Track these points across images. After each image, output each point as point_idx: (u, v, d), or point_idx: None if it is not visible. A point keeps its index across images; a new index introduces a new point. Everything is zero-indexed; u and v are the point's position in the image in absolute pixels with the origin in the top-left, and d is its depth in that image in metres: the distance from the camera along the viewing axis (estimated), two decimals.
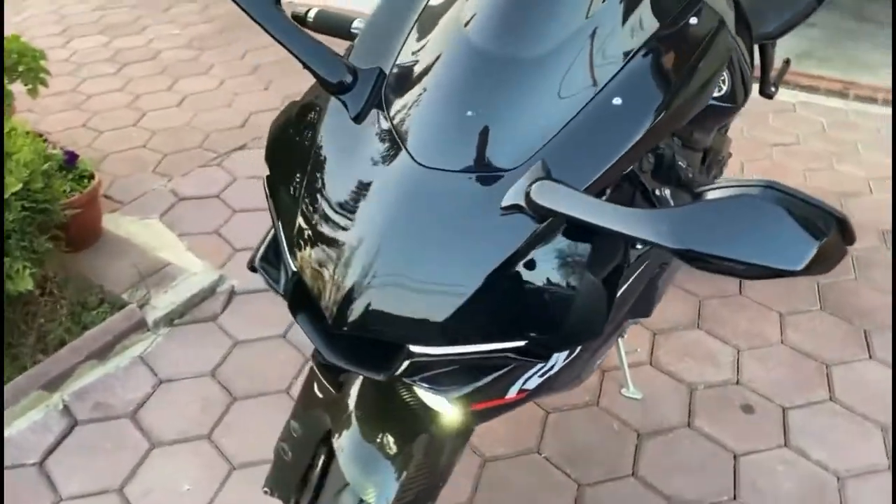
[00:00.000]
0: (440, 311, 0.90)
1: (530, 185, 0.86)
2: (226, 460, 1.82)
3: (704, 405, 1.93)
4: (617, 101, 0.92)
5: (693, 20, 1.00)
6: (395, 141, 0.94)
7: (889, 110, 3.27)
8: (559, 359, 1.06)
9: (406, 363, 0.94)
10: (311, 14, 1.20)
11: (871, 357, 2.06)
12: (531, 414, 1.86)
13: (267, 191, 1.08)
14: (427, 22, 1.03)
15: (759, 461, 1.79)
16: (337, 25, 1.18)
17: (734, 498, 1.71)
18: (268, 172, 1.10)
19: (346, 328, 0.92)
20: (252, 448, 1.84)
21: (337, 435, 1.11)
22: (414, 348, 0.93)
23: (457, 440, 1.20)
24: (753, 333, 2.13)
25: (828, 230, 0.74)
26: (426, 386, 0.99)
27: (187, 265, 2.39)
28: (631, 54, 0.94)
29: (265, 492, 1.33)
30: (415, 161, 0.92)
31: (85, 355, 2.04)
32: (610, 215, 0.81)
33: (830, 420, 1.89)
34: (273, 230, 1.14)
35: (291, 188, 1.03)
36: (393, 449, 1.10)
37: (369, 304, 0.91)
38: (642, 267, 1.18)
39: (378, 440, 1.11)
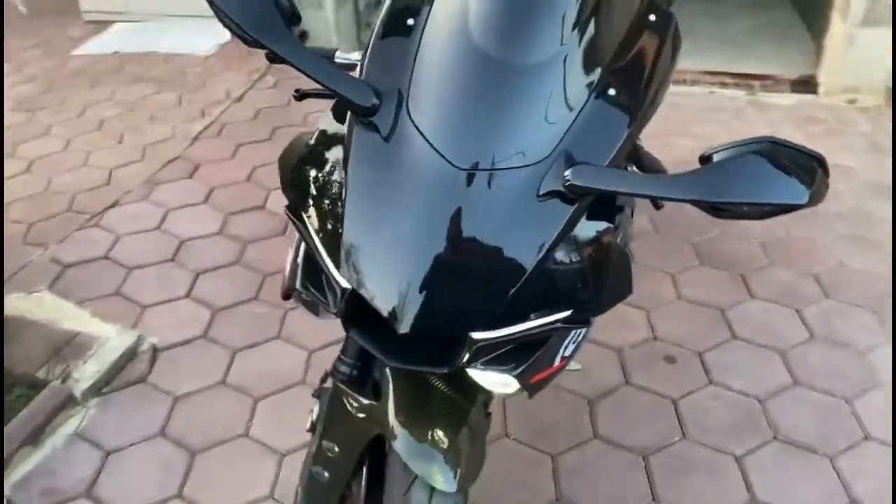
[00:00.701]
0: (498, 297, 1.00)
1: (566, 170, 0.99)
2: None
3: (634, 364, 2.15)
4: (612, 91, 1.08)
5: (651, 17, 1.18)
6: (430, 150, 1.03)
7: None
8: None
9: (470, 351, 1.03)
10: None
11: (752, 297, 2.39)
12: None
13: (293, 218, 1.13)
14: (433, 39, 1.12)
15: (694, 401, 2.03)
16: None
17: (684, 436, 1.94)
18: (286, 202, 1.15)
19: (415, 329, 0.99)
20: (231, 497, 1.82)
21: (392, 436, 1.15)
22: (476, 335, 1.02)
23: (485, 422, 1.31)
24: (655, 295, 2.39)
25: (816, 169, 0.94)
26: (489, 368, 1.08)
27: (98, 332, 2.27)
28: (615, 52, 1.10)
29: None
30: (453, 165, 1.02)
31: (18, 443, 1.90)
32: (646, 184, 0.97)
33: (738, 354, 2.18)
34: (295, 256, 1.19)
35: (324, 211, 1.09)
36: (444, 437, 1.17)
37: (434, 304, 0.99)
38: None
39: (429, 431, 1.17)
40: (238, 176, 3.10)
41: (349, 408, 1.25)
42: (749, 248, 2.61)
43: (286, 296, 1.18)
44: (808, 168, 0.94)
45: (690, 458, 1.88)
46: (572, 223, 1.02)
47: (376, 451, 1.28)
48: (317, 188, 1.11)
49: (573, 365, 2.11)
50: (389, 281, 1.02)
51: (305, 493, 1.35)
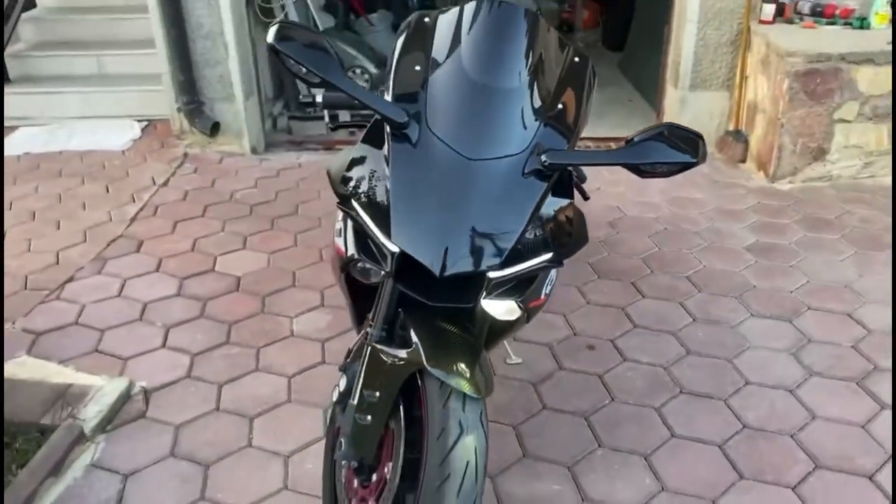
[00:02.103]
0: (506, 245, 1.46)
1: (542, 154, 1.49)
2: None
3: (564, 353, 2.63)
4: (560, 106, 1.60)
5: (576, 59, 1.73)
6: (448, 150, 1.49)
7: None
8: (558, 272, 1.67)
9: (487, 287, 1.48)
10: (318, 98, 1.68)
11: (643, 297, 2.96)
12: None
13: (344, 209, 1.54)
14: (437, 75, 1.61)
15: (615, 374, 2.53)
16: (342, 100, 1.68)
17: (612, 399, 2.42)
18: (338, 199, 1.57)
19: (451, 272, 1.43)
20: (250, 494, 2.09)
21: (430, 365, 1.53)
22: (491, 274, 1.47)
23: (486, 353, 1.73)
24: (569, 302, 2.91)
25: (699, 141, 1.49)
26: (501, 298, 1.52)
27: (89, 382, 2.48)
28: (557, 80, 1.63)
29: (351, 465, 1.68)
30: (466, 157, 1.48)
31: (42, 476, 2.09)
32: (596, 157, 1.49)
33: (641, 338, 2.71)
34: (344, 238, 1.59)
35: (370, 199, 1.51)
36: (465, 361, 1.56)
37: (461, 253, 1.44)
38: None
39: (454, 358, 1.55)
40: (182, 247, 3.39)
41: (387, 360, 1.63)
42: (633, 262, 3.20)
43: (344, 267, 1.57)
44: (694, 141, 1.49)
45: (621, 414, 2.36)
46: (547, 193, 1.51)
47: (406, 395, 1.66)
48: (363, 184, 1.54)
49: (515, 359, 2.59)
50: (429, 241, 1.45)
51: (351, 441, 1.69)
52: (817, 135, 3.81)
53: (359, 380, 1.70)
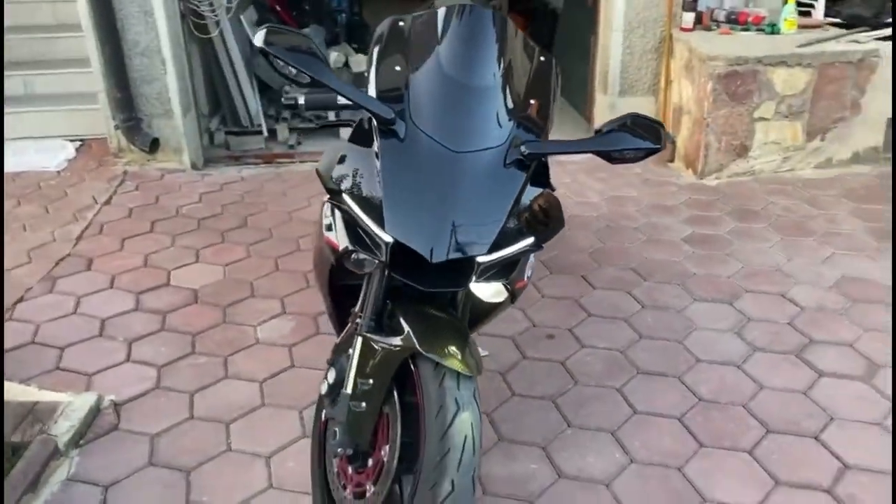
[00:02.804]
0: (493, 232, 1.57)
1: (521, 146, 1.60)
2: None
3: (526, 344, 2.75)
4: (532, 101, 1.72)
5: (542, 58, 1.86)
6: (434, 143, 1.59)
7: None
8: (536, 258, 1.78)
9: (477, 271, 1.57)
10: (301, 99, 1.75)
11: (594, 288, 3.12)
12: None
13: (335, 203, 1.62)
14: (418, 74, 1.70)
15: (576, 359, 2.67)
16: (325, 102, 1.75)
17: (576, 383, 2.55)
18: (328, 195, 1.65)
19: (444, 258, 1.52)
20: (236, 495, 2.12)
21: (423, 349, 1.61)
22: (480, 259, 1.57)
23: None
24: (526, 297, 3.01)
25: (660, 129, 1.63)
26: (490, 281, 1.62)
27: (56, 398, 2.45)
28: (528, 79, 1.75)
29: (346, 453, 1.75)
30: (452, 151, 1.58)
31: (20, 492, 2.06)
32: (570, 146, 1.61)
33: (596, 326, 2.86)
34: (333, 232, 1.66)
35: (362, 194, 1.59)
36: (456, 343, 1.65)
37: (452, 240, 1.54)
38: None
39: (445, 341, 1.65)
40: (134, 263, 3.36)
41: (379, 348, 1.70)
42: (581, 257, 3.36)
43: (338, 259, 1.64)
44: (655, 129, 1.63)
45: (585, 396, 2.49)
46: (527, 182, 1.63)
47: (397, 382, 1.74)
48: (353, 180, 1.62)
49: (483, 352, 2.68)
50: (421, 230, 1.54)
51: (345, 429, 1.75)
52: (739, 133, 4.09)
53: (350, 370, 1.77)
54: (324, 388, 1.89)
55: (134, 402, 2.50)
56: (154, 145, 4.41)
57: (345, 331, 1.91)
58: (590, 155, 1.72)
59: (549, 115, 1.75)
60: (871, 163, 4.27)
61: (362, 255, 1.62)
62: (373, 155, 1.62)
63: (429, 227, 1.54)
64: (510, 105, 1.69)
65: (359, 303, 1.87)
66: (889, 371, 2.57)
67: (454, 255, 1.54)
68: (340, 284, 2.04)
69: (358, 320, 1.77)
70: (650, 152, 1.61)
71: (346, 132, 2.61)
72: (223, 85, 4.86)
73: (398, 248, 1.56)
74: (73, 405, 2.42)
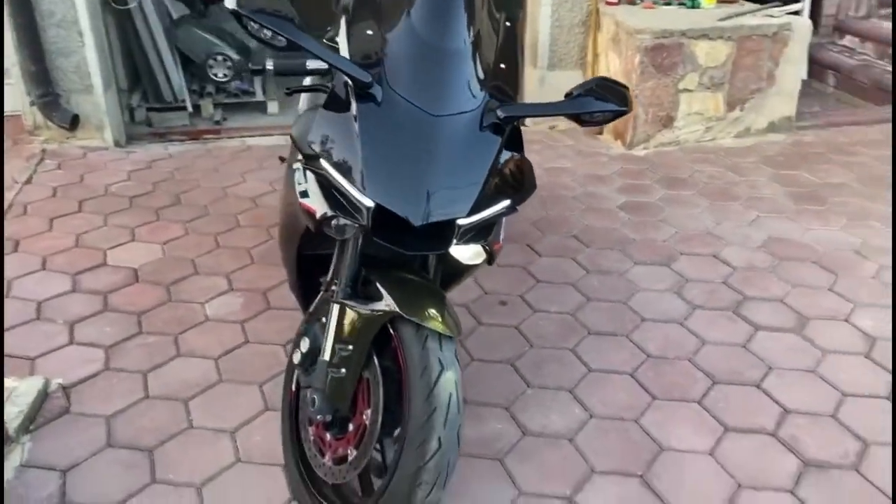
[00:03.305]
0: (473, 194, 1.60)
1: (497, 109, 1.63)
2: (191, 487, 2.04)
3: (480, 311, 2.81)
4: (502, 65, 1.75)
5: (508, 24, 1.88)
6: (412, 107, 1.60)
7: None
8: (505, 221, 1.82)
9: (458, 233, 1.60)
10: (269, 64, 1.71)
11: (540, 256, 3.20)
12: None
13: (312, 168, 1.61)
14: (391, 37, 1.70)
15: (529, 324, 2.74)
16: (294, 67, 1.72)
17: (531, 346, 2.62)
18: (304, 161, 1.64)
19: (426, 220, 1.54)
20: (203, 471, 2.09)
21: (405, 312, 1.63)
22: (460, 221, 1.60)
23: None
24: None
25: (626, 92, 1.69)
26: (469, 242, 1.65)
27: None
28: (497, 42, 1.78)
29: (326, 419, 1.76)
30: (429, 114, 1.60)
31: None
32: (544, 108, 1.65)
33: (545, 291, 2.94)
34: (313, 201, 1.65)
35: (340, 159, 1.59)
36: (435, 305, 1.68)
37: (436, 204, 1.56)
38: None
39: (424, 303, 1.67)
40: (66, 244, 3.22)
41: (358, 314, 1.71)
42: (525, 227, 3.44)
43: (318, 226, 1.64)
44: (622, 92, 1.69)
45: (541, 358, 2.57)
46: (503, 145, 1.66)
47: (377, 346, 1.75)
48: (330, 145, 1.61)
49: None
50: (403, 193, 1.56)
51: (328, 394, 1.75)
52: (665, 104, 4.24)
53: (327, 337, 1.77)
54: (297, 358, 1.89)
55: (83, 384, 2.41)
56: (74, 122, 4.21)
57: (317, 299, 1.90)
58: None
59: (519, 81, 1.79)
60: (786, 131, 4.51)
61: (342, 221, 1.62)
62: (350, 120, 1.62)
63: (409, 190, 1.56)
64: (482, 70, 1.72)
65: (330, 271, 1.87)
66: (818, 323, 2.76)
67: (436, 218, 1.56)
68: (305, 254, 2.04)
69: (334, 287, 1.77)
70: (617, 115, 1.67)
71: (303, 103, 2.58)
72: (143, 59, 4.67)
73: (379, 213, 1.57)
74: (19, 390, 2.31)
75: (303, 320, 1.96)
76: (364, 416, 1.74)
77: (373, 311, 1.68)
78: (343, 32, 1.78)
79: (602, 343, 2.65)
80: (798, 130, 4.55)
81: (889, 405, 2.36)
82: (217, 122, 4.84)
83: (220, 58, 4.95)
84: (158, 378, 2.45)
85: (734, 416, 2.31)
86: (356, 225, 1.61)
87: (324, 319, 1.87)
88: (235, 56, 4.99)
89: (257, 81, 5.20)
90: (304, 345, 1.86)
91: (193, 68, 4.97)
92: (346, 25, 1.80)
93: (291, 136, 1.75)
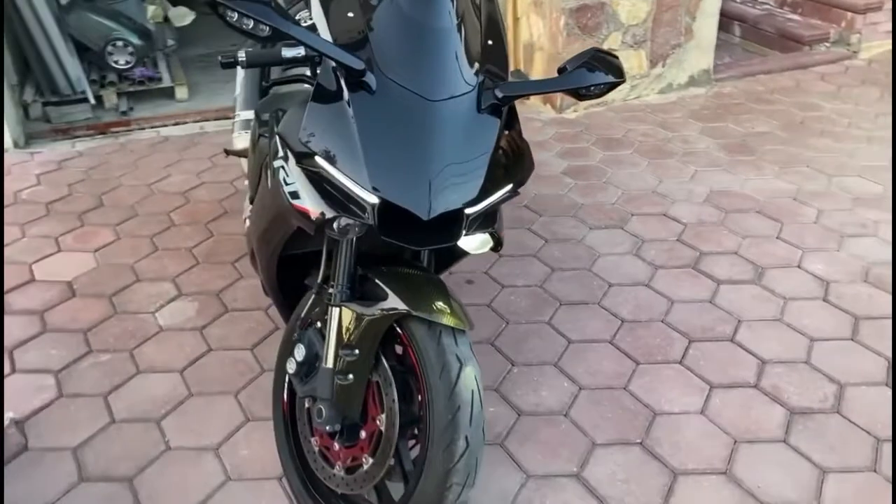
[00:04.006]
0: (479, 180, 1.52)
1: (495, 89, 1.55)
2: None
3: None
4: (490, 42, 1.67)
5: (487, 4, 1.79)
6: (409, 93, 1.50)
7: None
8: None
9: (466, 223, 1.53)
10: (241, 56, 1.56)
11: (529, 229, 3.14)
12: None
13: (309, 167, 1.50)
14: (377, 19, 1.58)
15: (500, 300, 2.70)
16: (269, 57, 1.57)
17: (507, 323, 2.59)
18: (296, 159, 1.52)
19: (436, 214, 1.46)
20: (192, 495, 1.96)
21: (415, 310, 1.54)
22: (468, 211, 1.53)
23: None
24: None
25: (620, 64, 1.65)
26: (477, 232, 1.58)
27: None
28: (482, 19, 1.69)
29: (334, 431, 1.67)
30: (427, 100, 1.50)
31: None
32: (540, 85, 1.59)
33: (510, 266, 2.90)
34: (297, 199, 1.54)
35: (338, 153, 1.48)
36: (443, 300, 1.61)
37: (443, 194, 1.48)
38: None
39: (432, 299, 1.60)
40: None
41: (362, 316, 1.62)
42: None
43: (318, 227, 1.52)
44: (615, 63, 1.64)
45: (519, 334, 2.54)
46: (503, 126, 1.59)
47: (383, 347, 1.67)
48: (324, 140, 1.50)
49: None
50: (409, 186, 1.47)
51: (334, 403, 1.66)
52: None
53: (328, 343, 1.67)
54: (291, 367, 1.78)
55: (38, 415, 2.21)
56: None
57: (307, 302, 1.79)
58: None
59: (507, 57, 1.71)
60: (705, 84, 4.62)
61: (345, 221, 1.51)
62: (343, 111, 1.50)
63: (414, 183, 1.47)
64: (472, 46, 1.63)
65: (321, 272, 1.76)
66: (774, 272, 2.85)
67: (444, 210, 1.48)
68: (284, 255, 1.91)
69: (331, 290, 1.67)
70: (613, 86, 1.63)
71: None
72: (32, 49, 4.30)
73: (383, 209, 1.47)
74: None
75: (291, 326, 1.85)
76: (378, 422, 1.66)
77: (382, 311, 1.59)
78: (319, 14, 1.65)
79: (576, 313, 2.65)
80: (716, 83, 4.66)
81: (853, 345, 2.47)
82: (124, 113, 4.52)
83: (119, 43, 4.62)
84: (121, 399, 2.28)
85: (716, 373, 2.35)
86: (361, 223, 1.50)
87: (319, 324, 1.77)
88: (136, 41, 4.67)
89: (163, 65, 4.91)
90: (300, 353, 1.76)
91: (91, 56, 4.62)
92: (320, 6, 1.66)
93: (279, 134, 1.62)
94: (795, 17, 5.29)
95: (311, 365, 1.75)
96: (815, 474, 2.00)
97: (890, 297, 2.68)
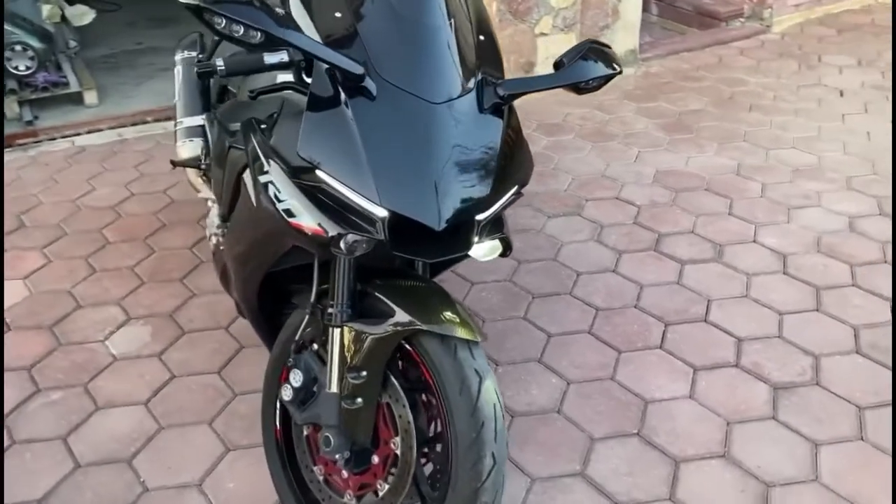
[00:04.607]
0: (488, 184, 1.44)
1: (497, 87, 1.48)
2: None
3: None
4: (482, 38, 1.58)
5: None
6: (410, 97, 1.40)
7: None
8: None
9: (478, 230, 1.45)
10: (220, 63, 1.41)
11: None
12: None
13: (307, 181, 1.38)
14: (367, 19, 1.47)
15: (474, 296, 2.64)
16: (250, 64, 1.43)
17: (483, 321, 2.53)
18: (293, 175, 1.40)
19: (445, 224, 1.38)
20: None
21: (426, 324, 1.45)
22: (479, 217, 1.45)
23: None
24: None
25: (614, 54, 1.60)
26: (488, 238, 1.50)
27: None
28: (470, 13, 1.60)
29: (344, 457, 1.56)
30: (430, 103, 1.41)
31: None
32: (540, 82, 1.52)
33: (476, 263, 2.83)
34: (303, 218, 1.42)
35: (343, 164, 1.37)
36: (452, 311, 1.52)
37: (455, 202, 1.40)
38: None
39: (439, 311, 1.51)
40: None
41: (368, 335, 1.52)
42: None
43: (326, 246, 1.41)
44: (610, 55, 1.59)
45: (498, 331, 2.48)
46: (506, 126, 1.51)
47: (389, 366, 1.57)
48: (324, 153, 1.38)
49: None
50: (419, 197, 1.38)
51: (343, 428, 1.55)
52: (525, 50, 4.22)
53: (331, 367, 1.57)
54: (287, 394, 1.66)
55: None
56: None
57: (300, 325, 1.66)
58: None
59: (499, 52, 1.63)
60: (633, 64, 4.67)
61: (353, 237, 1.40)
62: (343, 120, 1.38)
63: (424, 192, 1.38)
64: (467, 43, 1.54)
65: (314, 290, 1.64)
66: (732, 248, 2.90)
67: (457, 219, 1.40)
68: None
69: (330, 310, 1.55)
70: (609, 78, 1.58)
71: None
72: None
73: (393, 222, 1.38)
74: None
75: (281, 350, 1.73)
76: (392, 445, 1.57)
77: (390, 328, 1.50)
78: (302, 13, 1.52)
79: (549, 305, 2.61)
80: (643, 62, 4.72)
81: (819, 316, 2.54)
82: (29, 123, 4.17)
83: (17, 48, 4.26)
84: (83, 440, 2.09)
85: (697, 355, 2.37)
86: (369, 239, 1.40)
87: (315, 346, 1.66)
88: (36, 43, 4.32)
89: (67, 68, 4.57)
90: (296, 378, 1.64)
91: None
92: (301, 5, 1.53)
93: (272, 147, 1.49)
94: None
95: (308, 390, 1.64)
96: (809, 448, 2.04)
97: (846, 267, 2.77)
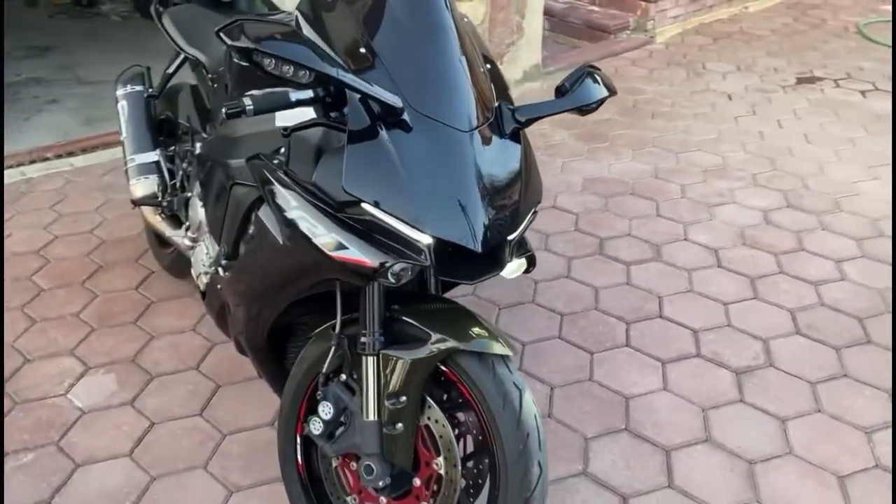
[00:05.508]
0: (517, 205, 1.52)
1: (514, 113, 1.55)
2: None
3: None
4: (488, 65, 1.65)
5: (465, 19, 1.75)
6: (444, 127, 1.44)
7: None
8: None
9: (510, 249, 1.52)
10: (248, 104, 1.38)
11: None
12: None
13: (351, 213, 1.40)
14: (383, 45, 1.49)
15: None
16: (277, 102, 1.42)
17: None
18: (336, 209, 1.41)
19: (484, 246, 1.44)
20: None
21: (462, 342, 1.50)
22: (510, 237, 1.52)
23: None
24: None
25: (607, 78, 1.71)
26: (517, 257, 1.56)
27: None
28: (471, 40, 1.66)
29: (385, 483, 1.58)
30: (461, 131, 1.46)
31: None
32: (552, 106, 1.61)
33: None
34: (344, 248, 1.44)
35: (386, 195, 1.40)
36: (482, 328, 1.58)
37: (490, 225, 1.46)
38: None
39: (470, 328, 1.57)
40: None
41: (403, 360, 1.55)
42: None
43: (371, 277, 1.43)
44: (606, 77, 1.71)
45: None
46: (524, 149, 1.59)
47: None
48: (368, 185, 1.40)
49: None
50: (458, 223, 1.44)
51: (384, 456, 1.57)
52: None
53: (366, 395, 1.58)
54: (317, 428, 1.67)
55: None
56: None
57: (330, 356, 1.66)
58: None
59: (503, 78, 1.71)
60: (538, 78, 4.87)
61: (399, 266, 1.43)
62: (384, 152, 1.41)
63: (463, 217, 1.43)
64: (480, 70, 1.61)
65: (338, 320, 1.65)
66: (668, 247, 3.11)
67: (497, 239, 1.47)
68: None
69: (363, 339, 1.57)
70: (603, 101, 1.69)
71: None
72: None
73: (437, 248, 1.43)
74: None
75: (298, 384, 1.72)
76: (435, 465, 1.60)
77: (429, 352, 1.53)
78: (315, 38, 1.53)
79: (517, 314, 2.71)
80: (546, 76, 4.93)
81: (757, 303, 2.77)
82: None
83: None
84: (70, 501, 1.98)
85: (661, 349, 2.53)
86: (414, 265, 1.43)
87: (343, 377, 1.67)
88: None
89: None
90: (326, 411, 1.64)
91: None
92: (311, 29, 1.54)
93: (315, 184, 1.48)
94: (596, 8, 5.74)
95: (338, 422, 1.65)
96: (777, 424, 2.24)
97: (770, 256, 3.04)
